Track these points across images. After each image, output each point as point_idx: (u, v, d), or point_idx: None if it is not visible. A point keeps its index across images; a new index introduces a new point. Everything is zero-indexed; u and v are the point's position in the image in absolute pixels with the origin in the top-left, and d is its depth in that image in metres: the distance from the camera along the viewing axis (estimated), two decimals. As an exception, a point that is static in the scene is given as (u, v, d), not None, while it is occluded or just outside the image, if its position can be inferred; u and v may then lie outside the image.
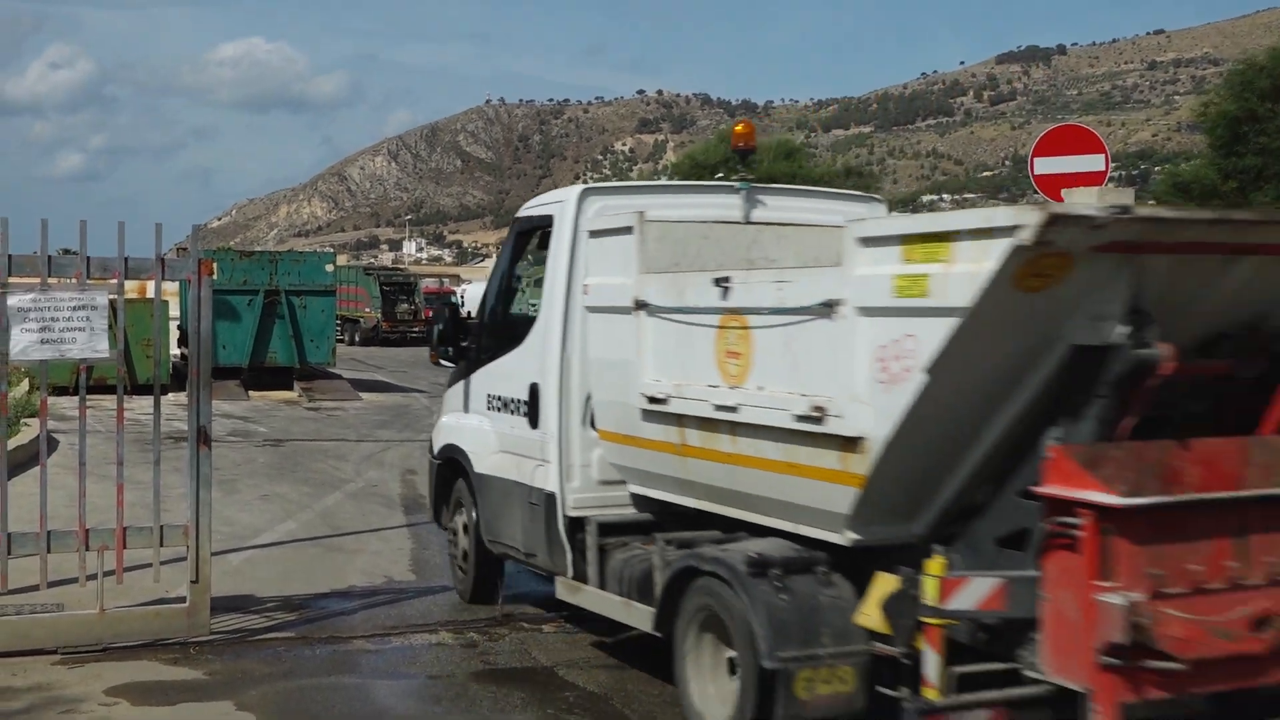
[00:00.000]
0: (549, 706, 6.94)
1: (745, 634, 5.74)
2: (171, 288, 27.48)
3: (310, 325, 26.89)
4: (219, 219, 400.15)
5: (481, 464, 8.32)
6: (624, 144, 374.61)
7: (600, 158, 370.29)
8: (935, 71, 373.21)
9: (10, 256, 7.73)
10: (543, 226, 7.88)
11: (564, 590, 7.49)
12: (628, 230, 6.89)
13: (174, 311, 28.05)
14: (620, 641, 7.99)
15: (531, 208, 8.26)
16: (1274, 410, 5.14)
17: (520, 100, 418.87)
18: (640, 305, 6.73)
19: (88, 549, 7.90)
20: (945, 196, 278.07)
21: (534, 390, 7.68)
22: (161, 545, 8.07)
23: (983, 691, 5.02)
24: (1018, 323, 4.80)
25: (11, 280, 7.74)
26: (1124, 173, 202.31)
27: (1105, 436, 4.83)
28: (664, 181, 7.84)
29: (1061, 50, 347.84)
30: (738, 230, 7.22)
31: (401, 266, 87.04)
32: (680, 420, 6.49)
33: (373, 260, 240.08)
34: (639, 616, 6.71)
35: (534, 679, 7.42)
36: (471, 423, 8.53)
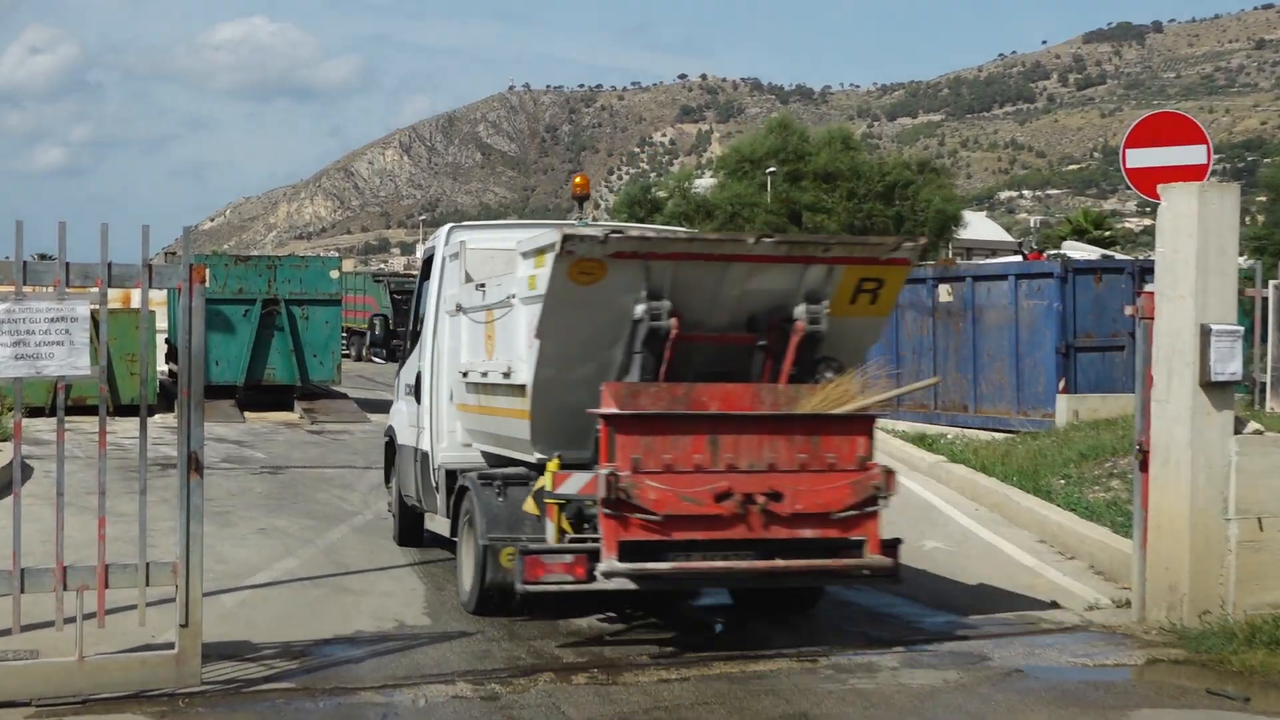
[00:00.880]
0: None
1: (473, 524, 9.84)
2: (159, 297, 27.72)
3: (313, 339, 27.03)
4: (212, 220, 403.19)
5: (399, 437, 12.68)
6: (663, 135, 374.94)
7: (637, 150, 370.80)
8: (1014, 52, 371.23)
9: (-19, 263, 7.80)
10: (432, 254, 11.99)
11: (435, 524, 11.46)
12: (459, 255, 11.08)
13: (161, 323, 28.30)
14: (661, 705, 7.96)
15: (430, 240, 12.17)
16: (784, 367, 8.86)
17: (548, 86, 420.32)
18: (459, 308, 10.85)
19: (65, 589, 7.93)
20: (1025, 193, 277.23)
21: (418, 377, 11.88)
22: (147, 585, 8.09)
23: (573, 543, 8.62)
24: (584, 304, 8.44)
25: (-18, 289, 7.81)
26: (1228, 165, 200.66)
27: (650, 379, 8.57)
28: (517, 221, 12.61)
29: (1157, 27, 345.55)
30: None
31: (415, 273, 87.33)
32: (477, 389, 10.38)
33: (383, 265, 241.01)
34: (449, 528, 10.68)
35: (563, 737, 7.40)
36: (399, 406, 12.97)
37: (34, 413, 19.34)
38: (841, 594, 11.02)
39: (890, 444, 21.12)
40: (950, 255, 72.04)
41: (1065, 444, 17.25)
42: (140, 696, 7.88)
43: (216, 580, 10.69)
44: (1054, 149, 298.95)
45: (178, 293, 8.15)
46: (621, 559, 8.35)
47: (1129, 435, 13.24)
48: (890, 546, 8.90)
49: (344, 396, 28.89)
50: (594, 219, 9.77)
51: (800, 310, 8.95)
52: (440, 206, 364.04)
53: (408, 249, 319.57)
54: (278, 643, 9.14)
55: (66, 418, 8.12)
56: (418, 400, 11.86)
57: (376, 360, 48.29)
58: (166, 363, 28.66)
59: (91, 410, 19.75)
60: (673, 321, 8.59)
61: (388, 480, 13.49)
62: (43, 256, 8.66)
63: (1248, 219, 66.92)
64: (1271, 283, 21.14)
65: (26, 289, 7.83)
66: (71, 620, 7.89)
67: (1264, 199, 60.17)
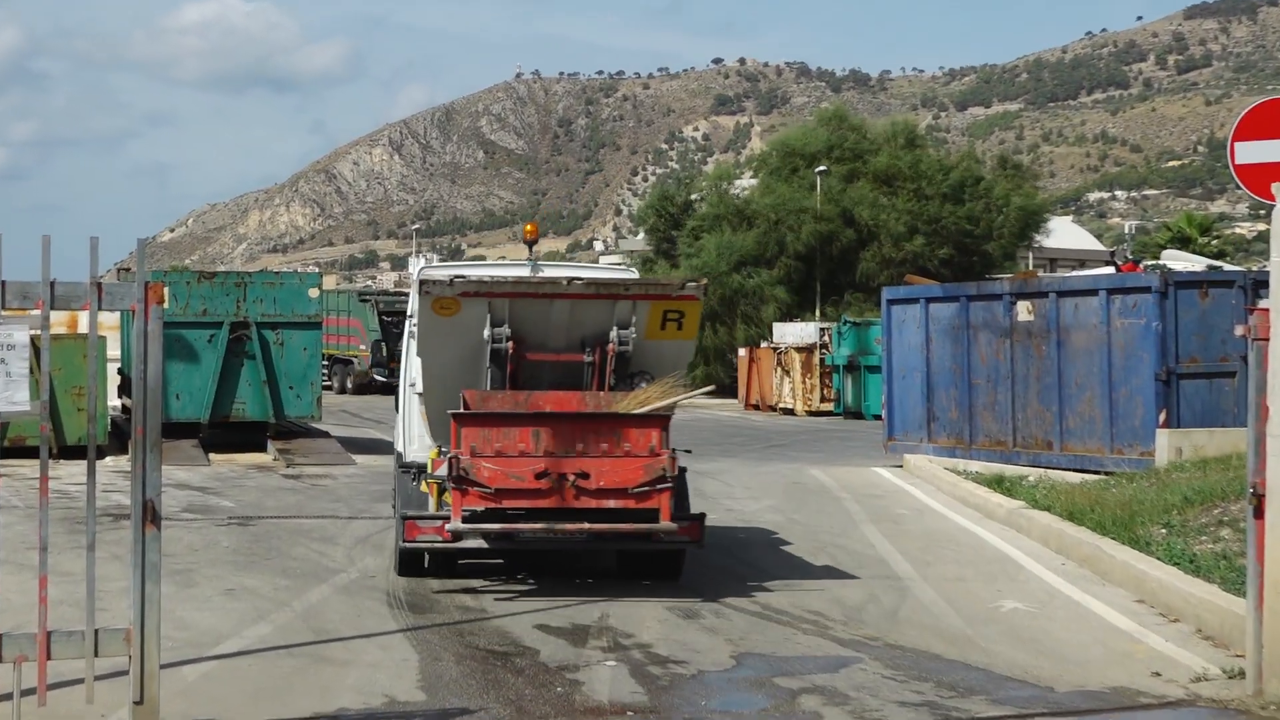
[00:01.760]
0: None
1: (395, 504, 14.64)
2: (111, 320, 27.85)
3: (289, 368, 27.13)
4: (173, 230, 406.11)
5: (396, 445, 15.99)
6: (695, 129, 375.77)
7: (665, 147, 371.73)
8: (1104, 30, 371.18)
9: (-95, 282, 7.82)
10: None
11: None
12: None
13: (113, 351, 28.44)
14: None
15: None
16: (604, 379, 13.23)
17: (561, 73, 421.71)
18: (412, 332, 14.73)
19: (1, 661, 7.95)
20: (1118, 194, 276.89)
21: (398, 391, 15.96)
22: (96, 655, 8.10)
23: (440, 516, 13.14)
24: (447, 332, 12.77)
25: (-94, 312, 7.82)
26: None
27: (499, 387, 13.10)
28: (486, 261, 18.61)
29: (1272, 0, 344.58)
30: None
31: (407, 290, 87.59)
32: (420, 398, 14.55)
33: (370, 282, 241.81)
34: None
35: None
36: (397, 419, 16.27)
37: (-34, 455, 19.40)
38: (921, 663, 10.99)
39: (961, 488, 21.06)
40: (1031, 266, 71.94)
41: (1167, 487, 17.16)
42: (88, 785, 7.87)
43: (177, 649, 10.70)
44: (1151, 142, 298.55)
45: (132, 315, 8.16)
46: (465, 522, 12.90)
47: (1241, 476, 13.18)
48: (695, 518, 13.42)
49: (325, 435, 28.96)
50: (596, 255, 13.69)
51: (614, 335, 13.58)
52: (437, 213, 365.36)
53: (399, 263, 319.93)
54: (248, 722, 9.14)
55: (3, 461, 8.15)
56: (398, 411, 15.86)
57: (379, 377, 49.43)
58: (119, 396, 28.79)
59: (32, 452, 19.67)
60: (509, 344, 13.40)
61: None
62: (-24, 274, 8.67)
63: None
64: None
65: (-43, 312, 7.85)
66: (7, 698, 7.90)
67: None
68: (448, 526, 13.01)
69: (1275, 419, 9.91)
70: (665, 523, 12.84)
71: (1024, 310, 24.33)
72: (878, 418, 31.65)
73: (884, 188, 59.29)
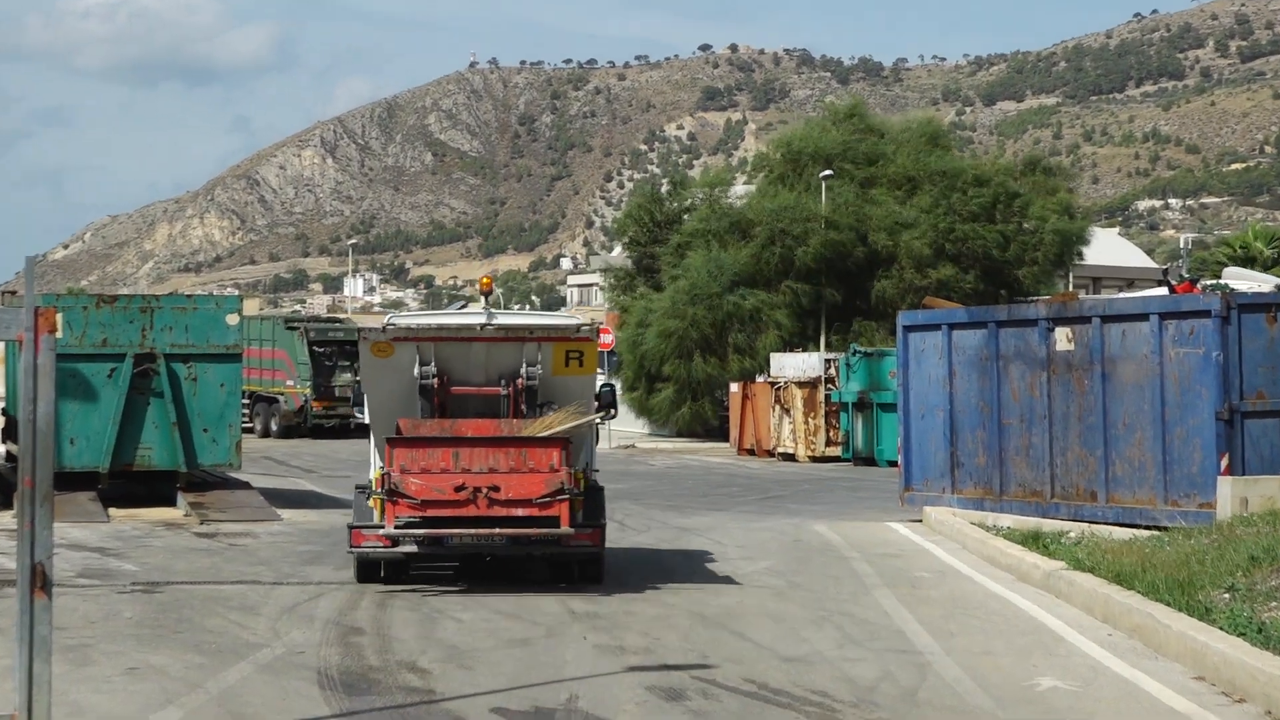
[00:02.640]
0: None
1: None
2: (-6, 352, 27.78)
3: (204, 407, 27.12)
4: (67, 246, 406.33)
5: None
6: (680, 127, 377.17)
7: (644, 148, 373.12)
8: (1155, 13, 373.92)
9: None
10: None
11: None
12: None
13: (-3, 388, 28.32)
14: None
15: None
16: (517, 408, 18.73)
17: (523, 62, 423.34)
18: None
19: None
20: (1172, 202, 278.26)
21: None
22: (-24, 746, 8.08)
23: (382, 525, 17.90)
24: (385, 371, 18.77)
25: None
26: None
27: (429, 416, 18.65)
28: (444, 310, 23.88)
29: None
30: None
31: (342, 316, 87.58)
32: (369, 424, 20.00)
33: (299, 307, 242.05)
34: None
35: None
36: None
37: None
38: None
39: (990, 546, 21.11)
40: (1071, 287, 72.15)
41: (1230, 544, 17.21)
42: None
43: (71, 739, 10.65)
44: (1211, 142, 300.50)
45: (19, 346, 8.16)
46: (397, 528, 17.58)
47: (1316, 532, 13.21)
48: (596, 526, 18.31)
49: (246, 486, 28.89)
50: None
51: (523, 371, 18.70)
52: (377, 225, 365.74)
53: (333, 284, 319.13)
54: (154, 824, 9.11)
55: None
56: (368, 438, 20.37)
57: (358, 415, 50.15)
58: (3, 442, 28.71)
59: (-99, 507, 19.61)
60: (435, 380, 18.64)
61: None
62: None
63: None
64: None
65: None
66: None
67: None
68: (381, 531, 17.72)
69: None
70: (564, 528, 17.60)
71: (1063, 338, 24.43)
72: (893, 464, 31.70)
73: (904, 198, 59.21)
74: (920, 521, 26.27)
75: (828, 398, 46.14)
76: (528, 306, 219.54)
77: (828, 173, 58.51)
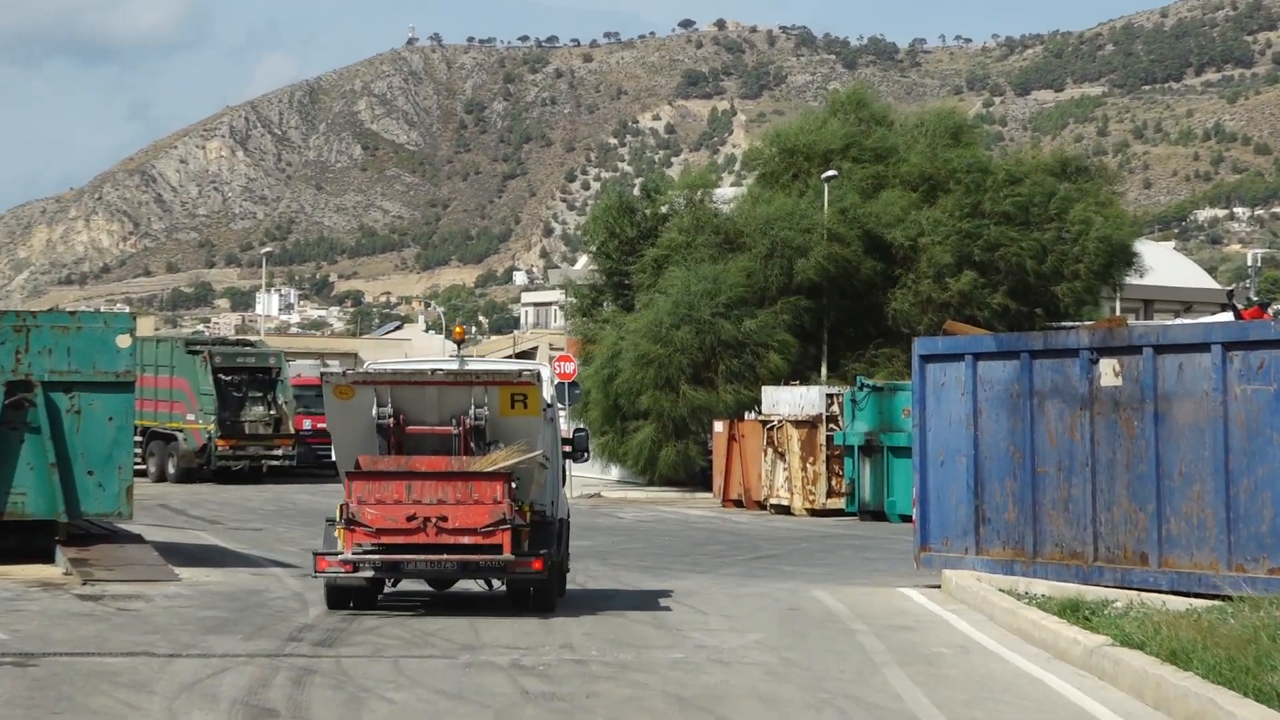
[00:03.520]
0: None
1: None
2: None
3: (89, 445, 27.06)
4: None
5: None
6: (656, 117, 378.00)
7: (614, 142, 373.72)
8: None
9: None
10: None
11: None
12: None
13: None
14: None
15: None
16: (467, 446, 23.62)
17: (471, 39, 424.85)
18: None
19: None
20: (1238, 211, 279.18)
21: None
22: None
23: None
24: (347, 412, 23.88)
25: None
26: None
27: (386, 453, 23.67)
28: (421, 359, 31.58)
29: None
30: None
31: (254, 338, 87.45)
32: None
33: (203, 327, 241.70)
34: None
35: None
36: None
37: None
38: None
39: (1022, 618, 21.15)
40: (1118, 310, 72.32)
41: (1305, 617, 17.21)
42: None
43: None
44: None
45: None
46: (354, 553, 22.33)
47: None
48: (539, 555, 22.77)
49: (138, 540, 28.79)
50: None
51: (471, 412, 23.27)
52: (296, 231, 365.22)
53: (242, 300, 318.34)
54: None
55: None
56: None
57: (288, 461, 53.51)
58: None
59: None
60: (391, 420, 23.18)
61: None
62: None
63: None
64: None
65: None
66: None
67: None
68: (340, 556, 22.54)
69: None
70: (506, 554, 22.41)
71: (1109, 372, 24.48)
72: (907, 519, 31.75)
73: (921, 202, 59.29)
74: (939, 587, 26.31)
75: (830, 439, 46.14)
76: (474, 329, 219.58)
77: (831, 173, 58.46)
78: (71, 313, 29.34)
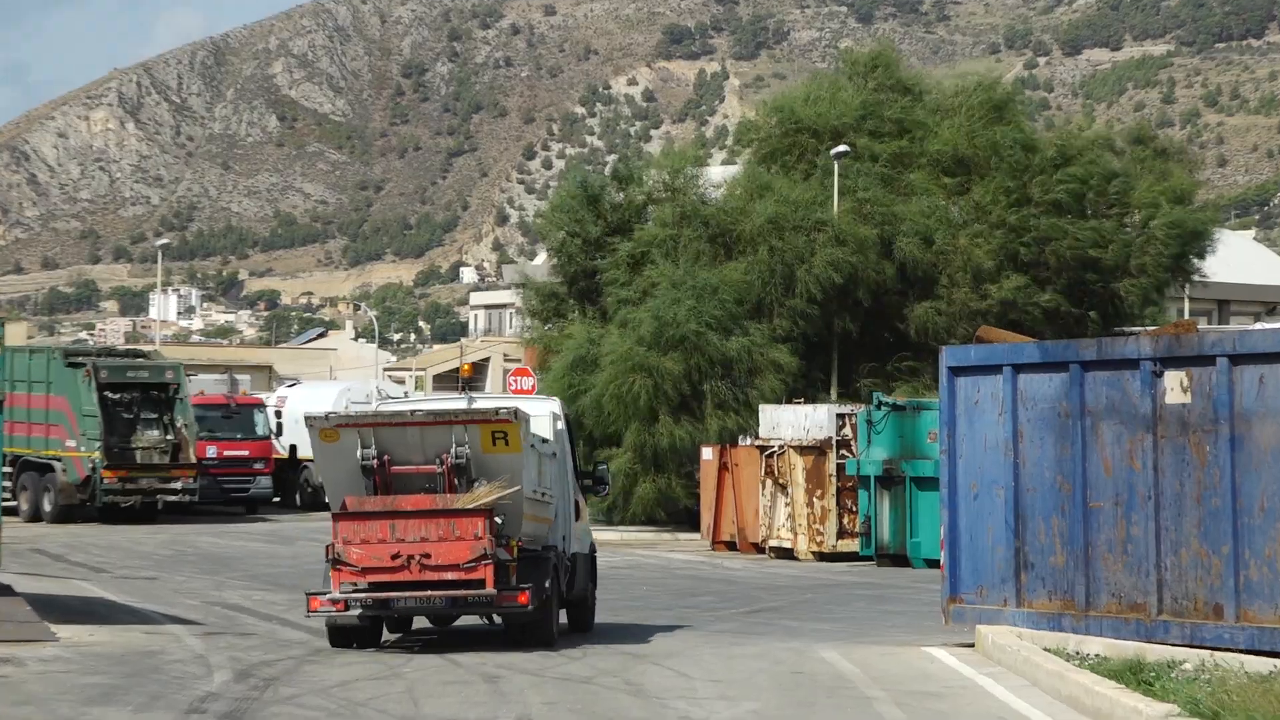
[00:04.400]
0: None
1: None
2: None
3: (-54, 478, 27.01)
4: None
5: None
6: (633, 82, 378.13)
7: (581, 111, 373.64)
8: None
9: None
10: None
11: None
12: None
13: None
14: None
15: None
16: (451, 484, 27.81)
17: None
18: None
19: None
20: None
21: None
22: None
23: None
24: (334, 454, 28.29)
25: None
26: None
27: (372, 493, 27.99)
28: (423, 397, 38.61)
29: None
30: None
31: (148, 349, 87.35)
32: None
33: (86, 335, 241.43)
34: None
35: None
36: None
37: None
38: None
39: (1071, 682, 21.20)
40: (1187, 312, 72.33)
41: None
42: None
43: None
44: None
45: None
46: (342, 592, 26.78)
47: None
48: (523, 589, 26.47)
49: (7, 591, 28.78)
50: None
51: (453, 451, 27.28)
52: (198, 219, 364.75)
53: (134, 303, 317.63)
54: None
55: None
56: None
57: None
58: None
59: None
60: (375, 461, 27.20)
61: None
62: None
63: None
64: None
65: None
66: None
67: None
68: (327, 597, 26.44)
69: None
70: (489, 589, 26.12)
71: (1176, 386, 24.50)
72: (933, 564, 31.75)
73: (956, 189, 59.10)
74: (972, 646, 26.35)
75: (841, 469, 46.04)
76: (413, 335, 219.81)
77: (843, 148, 58.20)
78: (-73, 318, 29.26)
